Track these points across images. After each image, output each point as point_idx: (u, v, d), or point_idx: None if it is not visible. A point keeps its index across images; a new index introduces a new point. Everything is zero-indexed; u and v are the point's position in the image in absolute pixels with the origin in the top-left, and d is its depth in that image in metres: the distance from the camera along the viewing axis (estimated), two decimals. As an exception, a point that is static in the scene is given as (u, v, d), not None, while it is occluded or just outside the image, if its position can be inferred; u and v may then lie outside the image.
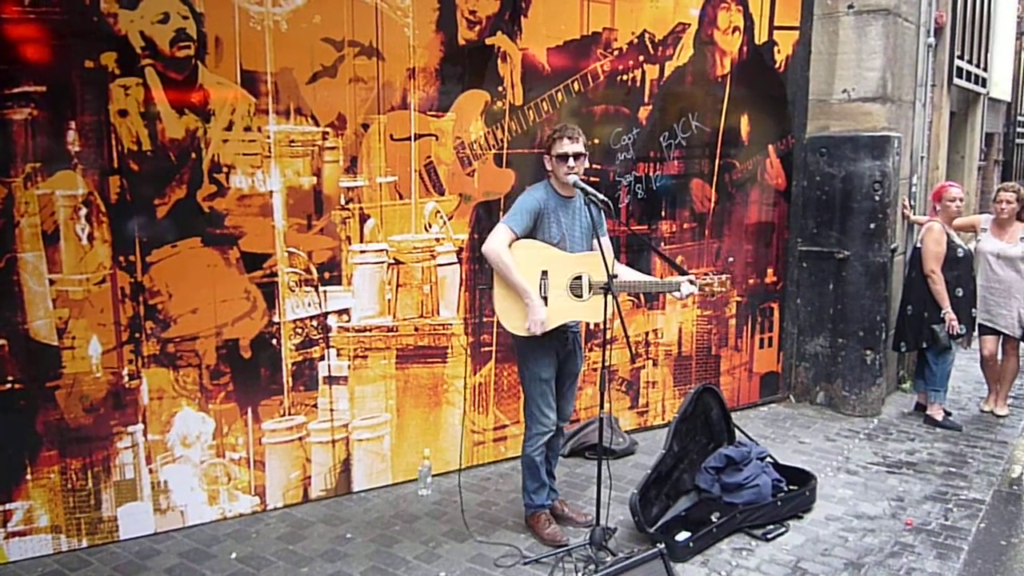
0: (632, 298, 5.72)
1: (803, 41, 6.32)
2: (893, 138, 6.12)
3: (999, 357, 6.37)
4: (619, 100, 5.46)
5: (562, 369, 4.23)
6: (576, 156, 3.97)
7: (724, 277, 4.17)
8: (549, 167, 4.05)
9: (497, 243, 3.90)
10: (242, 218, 4.29)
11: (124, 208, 4.01)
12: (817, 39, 6.34)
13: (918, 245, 6.16)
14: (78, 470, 4.07)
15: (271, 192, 4.35)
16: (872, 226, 6.14)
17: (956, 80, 8.09)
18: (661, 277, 4.63)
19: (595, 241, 3.94)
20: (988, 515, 4.69)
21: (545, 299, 3.95)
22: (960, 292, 6.08)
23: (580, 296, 4.01)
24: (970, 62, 8.66)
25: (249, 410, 4.46)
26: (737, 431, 5.00)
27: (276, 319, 4.46)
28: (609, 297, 3.88)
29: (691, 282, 4.09)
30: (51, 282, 3.90)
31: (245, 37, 4.16)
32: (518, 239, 3.92)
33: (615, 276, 3.95)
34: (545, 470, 4.32)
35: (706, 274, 4.26)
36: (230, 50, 4.14)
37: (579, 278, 4.02)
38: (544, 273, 3.96)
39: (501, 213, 4.87)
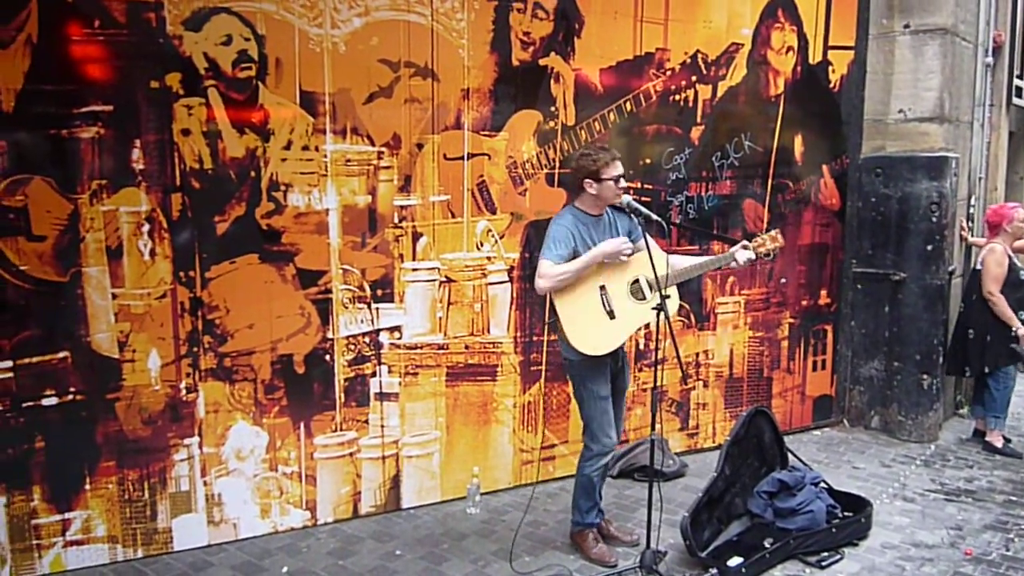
0: (682, 319, 5.67)
1: (858, 61, 6.25)
2: (951, 159, 6.01)
3: (1062, 384, 6.20)
4: (671, 120, 5.44)
5: (612, 386, 4.21)
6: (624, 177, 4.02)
7: (775, 232, 4.17)
8: (593, 191, 3.95)
9: (546, 271, 3.86)
10: (298, 235, 4.37)
11: (185, 224, 4.10)
12: (872, 59, 6.26)
13: (978, 267, 6.03)
14: (135, 481, 4.15)
15: (327, 210, 4.41)
16: (929, 248, 6.02)
17: (1015, 100, 7.92)
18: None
19: (641, 242, 4.00)
20: (1052, 546, 4.55)
21: (611, 312, 3.96)
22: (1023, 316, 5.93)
23: (644, 299, 4.01)
24: (1030, 82, 8.48)
25: (302, 425, 4.51)
26: (790, 455, 4.93)
27: (330, 335, 4.51)
28: (670, 298, 3.91)
29: (744, 247, 4.11)
30: (114, 296, 4.00)
31: (305, 58, 4.24)
32: None
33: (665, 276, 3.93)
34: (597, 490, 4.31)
35: (753, 235, 4.24)
36: (290, 71, 4.22)
37: (636, 281, 4.02)
38: (602, 288, 3.96)
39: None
